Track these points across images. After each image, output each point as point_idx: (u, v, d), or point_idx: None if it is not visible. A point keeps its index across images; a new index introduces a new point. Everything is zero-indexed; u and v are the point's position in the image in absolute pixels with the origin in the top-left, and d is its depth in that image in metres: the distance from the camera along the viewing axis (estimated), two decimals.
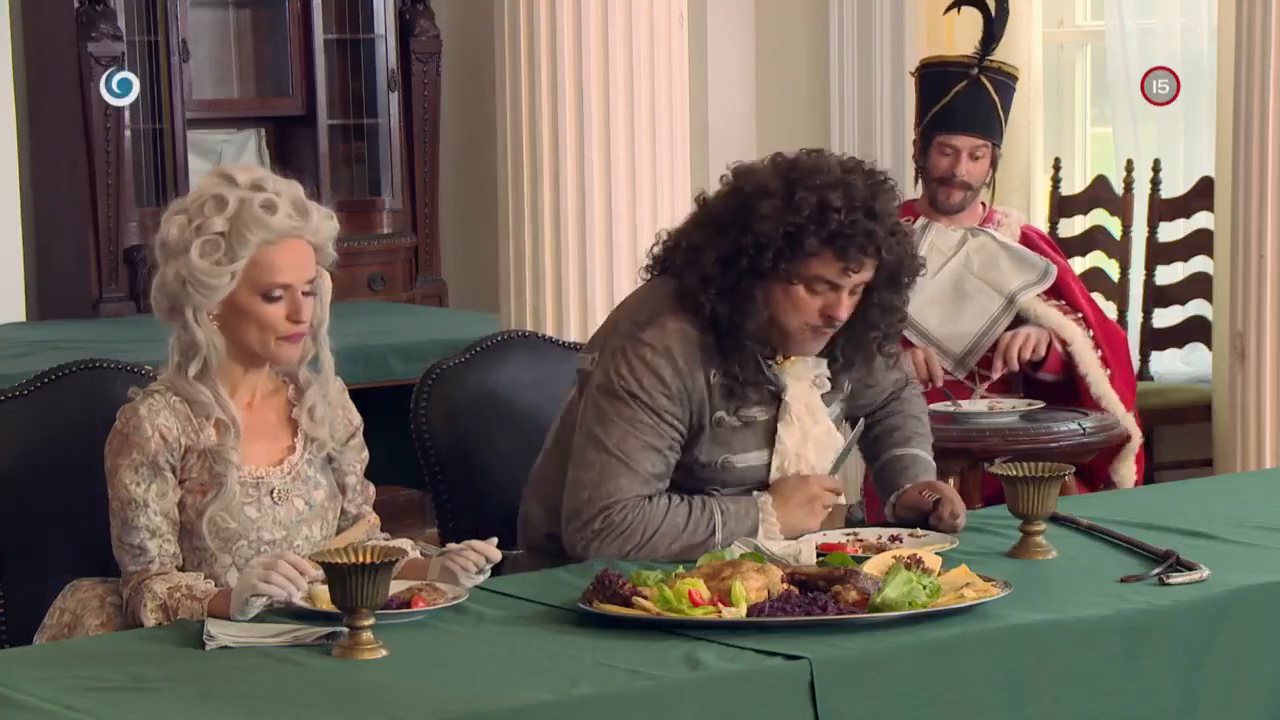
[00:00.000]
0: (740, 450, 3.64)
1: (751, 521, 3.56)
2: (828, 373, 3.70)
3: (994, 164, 5.63)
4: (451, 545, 3.31)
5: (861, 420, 3.81)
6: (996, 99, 5.61)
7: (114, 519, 3.31)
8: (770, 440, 3.64)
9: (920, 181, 5.70)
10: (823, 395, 3.71)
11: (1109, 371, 5.55)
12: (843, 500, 3.65)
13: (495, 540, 3.31)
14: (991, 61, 5.64)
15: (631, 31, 4.82)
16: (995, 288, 5.57)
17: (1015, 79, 5.72)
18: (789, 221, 3.49)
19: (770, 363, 3.63)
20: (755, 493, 3.62)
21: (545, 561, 3.61)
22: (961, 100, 5.59)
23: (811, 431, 3.67)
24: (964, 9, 5.82)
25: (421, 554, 3.39)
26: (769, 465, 3.65)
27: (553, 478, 3.68)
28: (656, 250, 3.72)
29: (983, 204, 5.70)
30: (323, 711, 2.67)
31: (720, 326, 3.56)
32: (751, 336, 3.57)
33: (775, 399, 3.64)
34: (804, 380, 3.67)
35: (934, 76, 5.67)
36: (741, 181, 3.61)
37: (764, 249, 3.51)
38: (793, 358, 3.65)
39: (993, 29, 5.68)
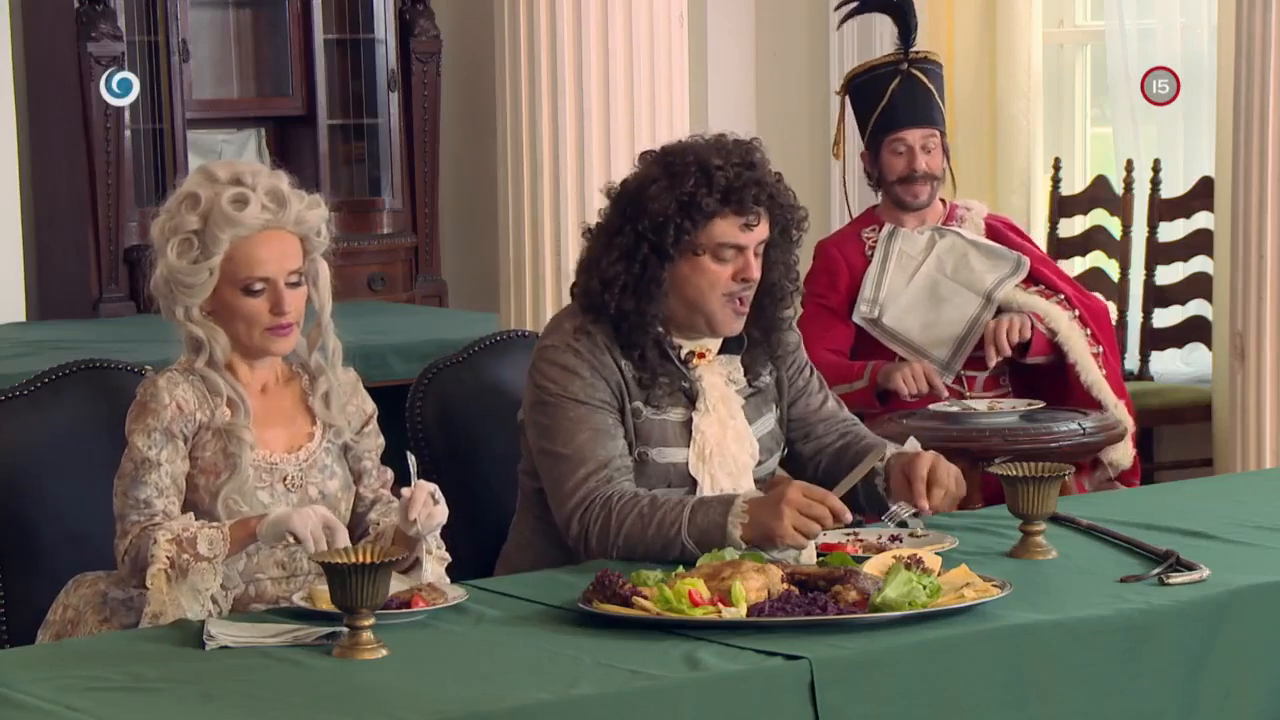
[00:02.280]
0: (658, 444, 3.65)
1: (723, 505, 3.48)
2: (741, 369, 3.74)
3: (946, 153, 5.65)
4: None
5: (887, 446, 3.74)
6: (931, 87, 5.64)
7: (121, 480, 3.31)
8: (689, 438, 3.67)
9: (879, 190, 5.70)
10: (751, 397, 3.74)
11: (1100, 349, 5.55)
12: (824, 519, 3.46)
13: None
14: (916, 53, 5.67)
15: (631, 31, 4.82)
16: (970, 288, 5.57)
17: (941, 64, 5.76)
18: (680, 192, 3.58)
19: (682, 363, 3.67)
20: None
21: None
22: (900, 97, 5.62)
23: (729, 423, 3.69)
24: (936, 5, 5.88)
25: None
26: (688, 461, 3.66)
27: (520, 553, 3.72)
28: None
29: (942, 200, 5.71)
30: (323, 711, 2.67)
31: (627, 321, 3.62)
32: (658, 321, 3.63)
33: (690, 401, 3.67)
34: (717, 376, 3.71)
35: (865, 84, 5.70)
36: (619, 189, 3.70)
37: (664, 226, 3.58)
38: (705, 359, 3.69)
39: (907, 20, 5.71)
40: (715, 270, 3.62)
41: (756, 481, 3.73)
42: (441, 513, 3.33)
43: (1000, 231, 5.72)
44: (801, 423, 3.85)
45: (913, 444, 3.71)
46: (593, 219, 4.76)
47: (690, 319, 3.66)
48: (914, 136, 5.57)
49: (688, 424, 3.67)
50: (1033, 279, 5.61)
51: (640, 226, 3.60)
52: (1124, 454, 5.50)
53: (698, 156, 3.61)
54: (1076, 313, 5.56)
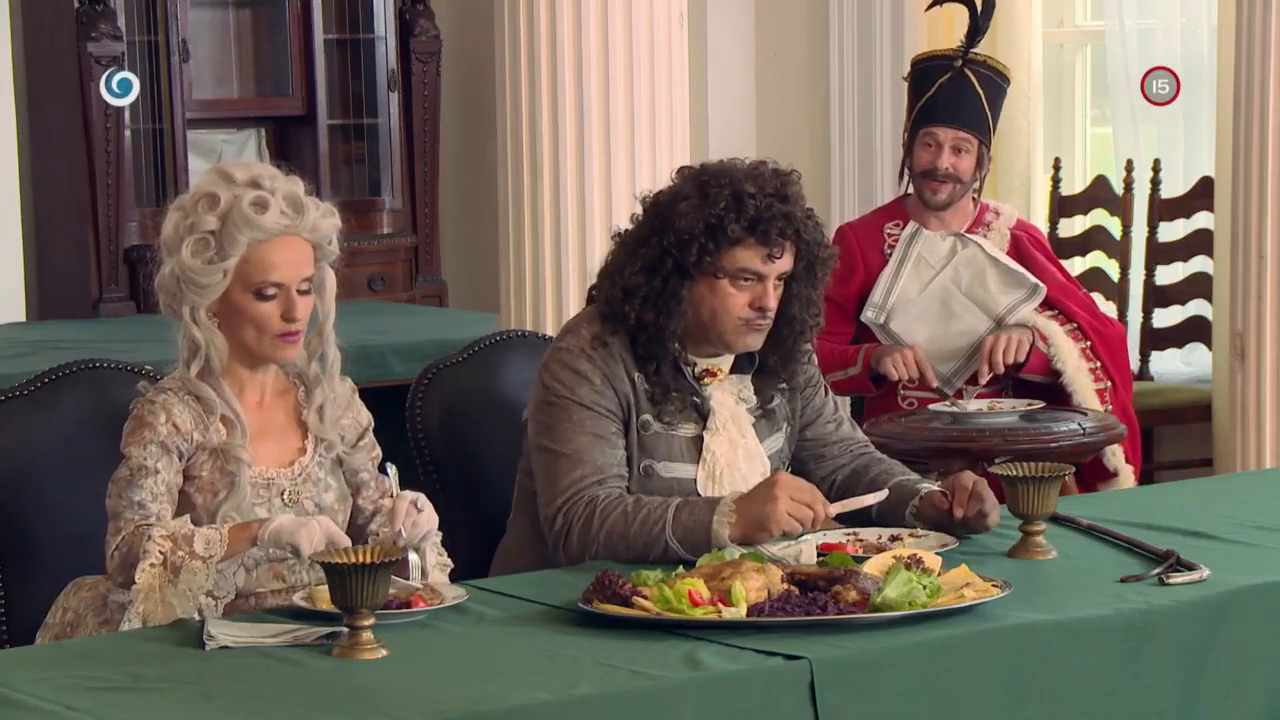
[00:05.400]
0: (664, 459, 3.66)
1: (708, 506, 3.50)
2: (751, 388, 3.75)
3: (980, 163, 5.56)
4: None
5: (885, 492, 3.69)
6: (982, 94, 5.55)
7: (116, 483, 3.30)
8: (698, 454, 3.67)
9: (908, 180, 5.64)
10: (760, 418, 3.75)
11: (1108, 384, 5.50)
12: (818, 514, 3.49)
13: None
14: (977, 55, 5.60)
15: (631, 31, 4.82)
16: (983, 307, 5.51)
17: (1006, 78, 5.66)
18: (709, 214, 3.59)
19: (696, 380, 3.68)
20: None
21: None
22: (944, 92, 5.54)
23: (739, 442, 3.70)
24: (950, 5, 5.79)
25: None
26: (696, 479, 3.66)
27: (518, 551, 3.72)
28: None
29: (974, 197, 5.65)
30: (323, 711, 2.67)
31: (646, 333, 3.63)
32: (675, 338, 3.64)
33: (701, 417, 3.68)
34: (728, 395, 3.72)
35: (921, 72, 5.63)
36: (652, 200, 3.70)
37: (687, 245, 3.60)
38: (717, 378, 3.70)
39: (977, 22, 5.64)
40: (732, 295, 3.63)
41: None
42: (427, 520, 3.33)
43: (1024, 246, 5.63)
44: (816, 444, 3.85)
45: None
46: (594, 219, 4.81)
47: (704, 336, 3.68)
48: (945, 135, 5.50)
49: (696, 440, 3.68)
50: (1047, 304, 5.55)
51: (666, 241, 3.61)
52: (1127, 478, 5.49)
53: (732, 181, 3.62)
54: (1088, 344, 5.52)
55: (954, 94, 5.53)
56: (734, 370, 3.75)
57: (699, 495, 3.64)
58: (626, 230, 3.74)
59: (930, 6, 5.89)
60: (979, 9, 5.65)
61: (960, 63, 5.55)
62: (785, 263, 3.65)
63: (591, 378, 3.62)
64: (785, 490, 3.45)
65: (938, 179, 5.51)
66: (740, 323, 3.64)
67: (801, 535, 3.54)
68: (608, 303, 3.67)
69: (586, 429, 3.59)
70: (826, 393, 3.91)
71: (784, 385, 3.79)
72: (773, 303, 3.65)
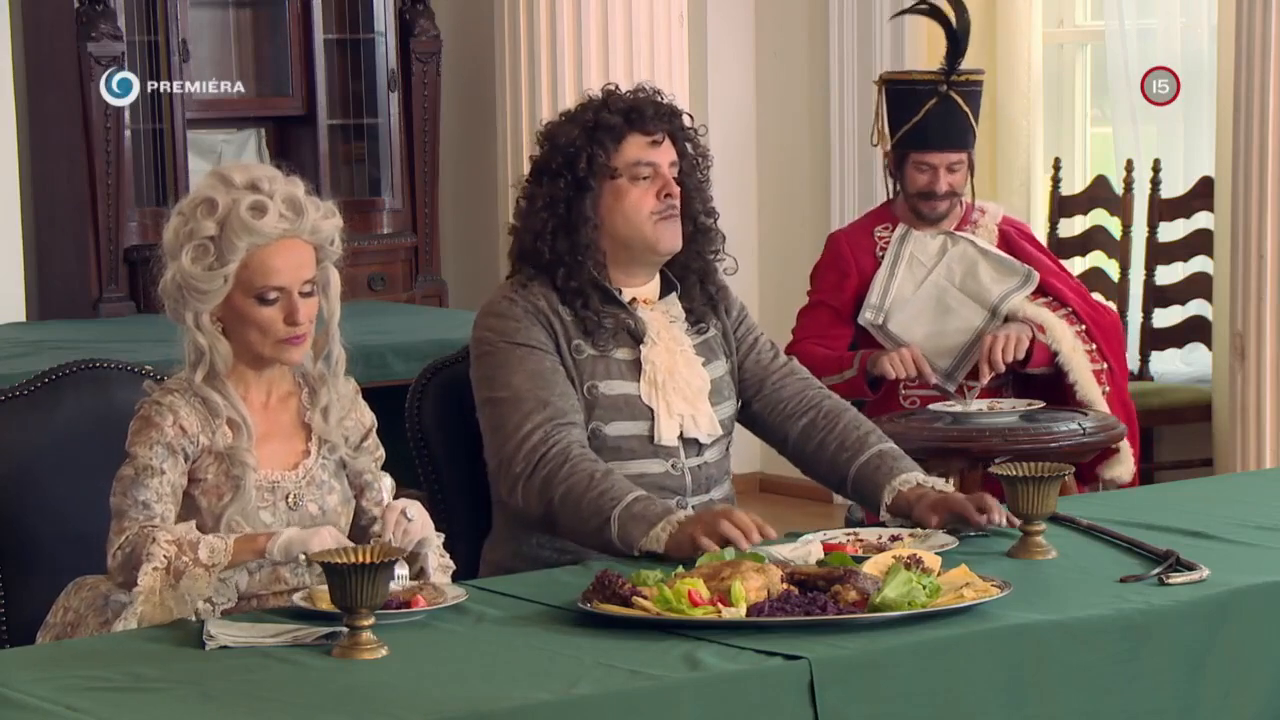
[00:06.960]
0: (604, 378, 3.71)
1: (665, 509, 3.50)
2: (679, 305, 3.81)
3: (971, 168, 5.58)
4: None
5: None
6: (967, 110, 5.57)
7: (120, 481, 3.29)
8: (638, 374, 3.73)
9: (897, 192, 5.65)
10: (698, 345, 3.79)
11: (1105, 365, 5.51)
12: (759, 537, 3.46)
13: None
14: (959, 75, 5.61)
15: (631, 31, 4.83)
16: (977, 299, 5.53)
17: (981, 82, 5.68)
18: (584, 119, 3.70)
19: (625, 306, 3.74)
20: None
21: None
22: (934, 119, 5.54)
23: (676, 349, 3.75)
24: (923, 20, 5.81)
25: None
26: (640, 394, 3.71)
27: (494, 543, 3.74)
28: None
29: (960, 201, 5.66)
30: (323, 711, 2.67)
31: (564, 265, 3.69)
32: (591, 255, 3.69)
33: (635, 341, 3.74)
34: (658, 314, 3.78)
35: (902, 94, 5.62)
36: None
37: (575, 156, 3.69)
38: (647, 304, 3.76)
39: (957, 44, 5.64)
40: (636, 192, 3.70)
41: (722, 427, 3.79)
42: (418, 529, 3.32)
43: (1013, 239, 5.65)
44: (753, 379, 3.89)
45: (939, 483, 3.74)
46: None
47: (628, 252, 3.73)
48: (940, 159, 5.50)
49: (634, 363, 3.73)
50: (1041, 291, 5.56)
51: (555, 164, 3.69)
52: (1124, 469, 5.48)
53: (596, 95, 3.76)
54: (1083, 327, 5.52)
55: (944, 120, 5.55)
56: (661, 297, 3.80)
57: (646, 406, 3.70)
58: (519, 196, 3.82)
59: (899, 14, 5.91)
60: (955, 27, 5.65)
61: (946, 87, 5.56)
62: (669, 150, 3.73)
63: (514, 315, 3.68)
64: (719, 514, 3.45)
65: (937, 198, 5.54)
66: (654, 217, 3.70)
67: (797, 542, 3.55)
68: (521, 252, 3.74)
69: (524, 366, 3.64)
70: (761, 335, 3.94)
71: (712, 310, 3.83)
72: (676, 189, 3.71)
